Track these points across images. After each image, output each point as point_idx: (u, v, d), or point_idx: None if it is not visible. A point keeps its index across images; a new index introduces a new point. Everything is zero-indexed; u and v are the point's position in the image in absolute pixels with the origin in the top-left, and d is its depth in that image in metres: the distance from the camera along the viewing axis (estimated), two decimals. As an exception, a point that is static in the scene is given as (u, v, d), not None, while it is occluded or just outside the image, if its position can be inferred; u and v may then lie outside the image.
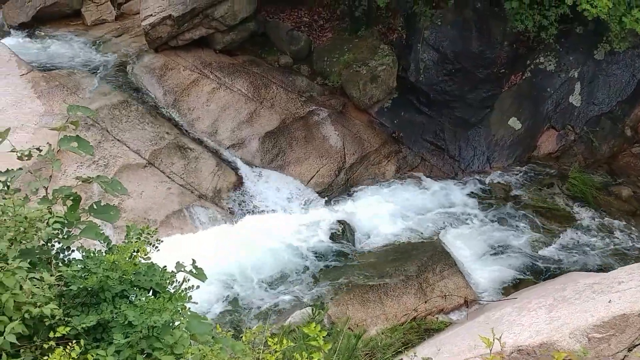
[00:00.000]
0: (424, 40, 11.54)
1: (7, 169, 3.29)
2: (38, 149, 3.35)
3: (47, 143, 3.35)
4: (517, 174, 11.74)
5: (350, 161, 11.24)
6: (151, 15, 11.29)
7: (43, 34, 13.48)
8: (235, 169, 10.66)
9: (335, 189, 10.97)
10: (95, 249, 3.29)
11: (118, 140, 10.26)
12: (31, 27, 13.58)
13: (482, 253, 10.08)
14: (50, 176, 3.33)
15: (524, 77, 11.95)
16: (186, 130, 10.91)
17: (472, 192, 11.37)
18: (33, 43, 13.15)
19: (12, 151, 3.36)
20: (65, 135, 3.34)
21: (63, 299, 3.12)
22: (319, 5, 12.48)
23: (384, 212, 10.56)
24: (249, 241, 9.54)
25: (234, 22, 11.52)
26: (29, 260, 3.04)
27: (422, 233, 10.37)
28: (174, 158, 10.28)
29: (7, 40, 12.63)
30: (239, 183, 10.50)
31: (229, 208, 10.12)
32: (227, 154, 10.82)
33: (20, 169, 3.34)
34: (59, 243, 3.29)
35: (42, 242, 3.20)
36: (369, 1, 11.70)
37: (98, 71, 11.71)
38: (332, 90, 12.02)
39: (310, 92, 11.92)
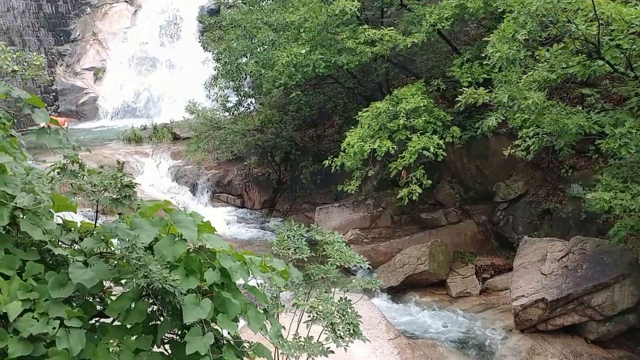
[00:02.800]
0: None
1: None
2: None
3: None
4: None
5: None
6: (523, 296, 11.31)
7: (409, 299, 14.42)
8: None
9: None
10: None
11: None
12: (398, 291, 14.50)
13: None
14: None
15: None
16: None
17: None
18: (399, 307, 14.05)
19: None
20: None
21: None
22: None
23: None
24: None
25: (612, 313, 10.78)
26: None
27: None
28: None
29: (376, 301, 13.51)
30: None
31: None
32: None
33: None
34: None
35: None
36: None
37: (462, 346, 11.85)
38: None
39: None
